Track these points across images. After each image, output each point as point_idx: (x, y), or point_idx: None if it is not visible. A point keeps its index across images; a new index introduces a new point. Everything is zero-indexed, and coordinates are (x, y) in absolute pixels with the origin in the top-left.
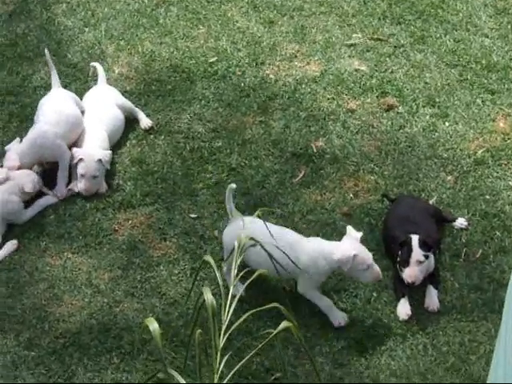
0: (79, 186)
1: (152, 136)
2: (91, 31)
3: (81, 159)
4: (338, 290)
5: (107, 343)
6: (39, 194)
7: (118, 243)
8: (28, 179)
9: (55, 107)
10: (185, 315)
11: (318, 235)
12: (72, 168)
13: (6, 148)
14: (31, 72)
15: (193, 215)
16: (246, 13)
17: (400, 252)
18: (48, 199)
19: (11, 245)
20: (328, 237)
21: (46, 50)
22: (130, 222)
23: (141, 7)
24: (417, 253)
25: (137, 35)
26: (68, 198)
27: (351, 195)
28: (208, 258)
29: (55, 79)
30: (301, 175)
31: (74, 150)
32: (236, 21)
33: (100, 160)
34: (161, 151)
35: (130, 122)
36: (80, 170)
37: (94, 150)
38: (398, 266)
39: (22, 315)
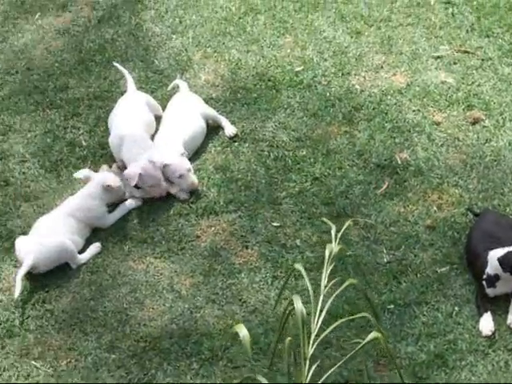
0: (184, 186)
1: (236, 143)
2: (179, 38)
3: (166, 165)
4: (420, 303)
5: (187, 348)
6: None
7: (200, 249)
8: (109, 175)
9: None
10: (265, 323)
11: (399, 248)
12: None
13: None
14: (118, 77)
15: (275, 224)
16: (332, 23)
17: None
18: (131, 203)
19: (94, 247)
20: (411, 249)
21: (114, 63)
22: (212, 228)
23: (228, 15)
24: None
25: (223, 43)
26: (151, 204)
27: (435, 208)
28: (298, 266)
29: (130, 83)
30: (384, 186)
31: (154, 158)
32: (323, 30)
33: (183, 154)
34: (245, 159)
35: (215, 129)
36: (175, 173)
37: (171, 149)
38: (484, 281)
39: (104, 318)
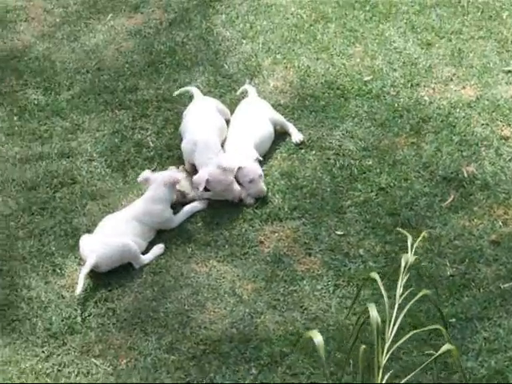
0: (252, 192)
1: (303, 151)
2: (249, 43)
3: (239, 168)
4: (482, 318)
5: (246, 353)
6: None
7: (263, 255)
8: (171, 172)
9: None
10: (325, 331)
11: (463, 261)
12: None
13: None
14: (188, 80)
15: (339, 232)
16: (403, 33)
17: None
18: (196, 205)
19: (158, 249)
20: (475, 264)
21: (175, 93)
22: (276, 234)
23: (299, 22)
24: None
25: (293, 50)
26: (216, 207)
27: (500, 223)
28: (374, 274)
29: (197, 95)
30: (450, 199)
31: (224, 163)
32: (393, 41)
33: (256, 159)
34: (311, 166)
35: (282, 135)
36: (246, 177)
37: (244, 154)
38: None
39: (165, 319)
